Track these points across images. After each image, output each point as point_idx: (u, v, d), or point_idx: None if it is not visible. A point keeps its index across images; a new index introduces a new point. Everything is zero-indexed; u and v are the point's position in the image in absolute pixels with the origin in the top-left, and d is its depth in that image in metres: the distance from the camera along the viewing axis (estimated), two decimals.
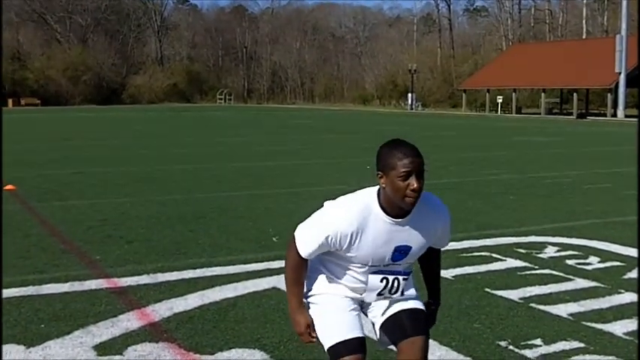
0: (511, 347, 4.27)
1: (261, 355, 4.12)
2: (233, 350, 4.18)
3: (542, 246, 7.11)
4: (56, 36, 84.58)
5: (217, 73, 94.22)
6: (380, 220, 2.72)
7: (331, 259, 2.87)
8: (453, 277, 5.89)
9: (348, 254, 2.76)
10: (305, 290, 2.95)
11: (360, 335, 2.80)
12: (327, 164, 15.64)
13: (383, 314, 2.92)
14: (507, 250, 6.89)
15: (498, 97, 56.88)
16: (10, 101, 71.28)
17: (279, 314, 4.86)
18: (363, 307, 2.96)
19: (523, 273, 6.04)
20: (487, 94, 59.48)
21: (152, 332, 4.49)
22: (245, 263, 6.32)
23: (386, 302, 2.92)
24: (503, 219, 8.72)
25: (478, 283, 5.69)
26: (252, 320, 4.74)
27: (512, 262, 6.42)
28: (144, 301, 5.14)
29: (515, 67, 57.59)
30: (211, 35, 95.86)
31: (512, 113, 55.90)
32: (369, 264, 2.79)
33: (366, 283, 2.83)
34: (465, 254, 6.72)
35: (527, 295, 5.37)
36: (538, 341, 4.38)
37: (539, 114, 54.76)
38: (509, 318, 4.82)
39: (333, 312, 2.86)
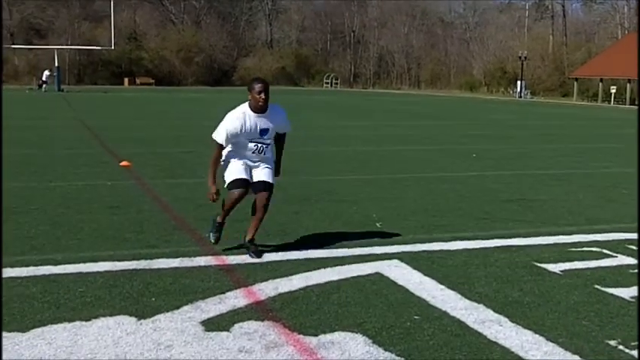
0: (621, 347, 4.11)
1: (364, 339, 4.14)
2: (336, 333, 4.23)
3: None
4: (171, 17, 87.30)
5: (325, 57, 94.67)
6: (250, 115, 5.85)
7: (234, 143, 5.90)
8: (561, 271, 5.72)
9: (241, 133, 5.80)
10: (223, 163, 6.05)
11: (245, 177, 5.96)
12: (432, 151, 15.46)
13: (255, 178, 6.03)
14: (619, 247, 6.61)
15: (612, 87, 54.44)
16: (126, 80, 74.38)
17: (382, 300, 4.87)
18: (251, 171, 6.03)
19: (635, 271, 5.79)
20: (600, 83, 57.05)
21: (258, 310, 4.60)
22: (349, 247, 6.36)
23: (257, 171, 6.05)
24: (615, 214, 8.37)
25: (588, 279, 5.50)
26: (355, 304, 4.76)
27: (623, 259, 6.17)
28: (250, 280, 5.27)
29: (630, 57, 54.67)
30: (320, 19, 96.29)
31: (625, 104, 53.40)
32: (249, 139, 5.86)
33: (248, 148, 5.91)
34: (574, 249, 6.51)
35: None
36: None
37: None
38: (619, 317, 4.64)
39: (233, 167, 5.99)
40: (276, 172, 6.23)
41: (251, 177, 6.01)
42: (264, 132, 5.90)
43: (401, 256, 6.05)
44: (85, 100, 38.76)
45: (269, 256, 5.98)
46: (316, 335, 4.19)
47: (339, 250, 6.28)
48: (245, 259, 5.90)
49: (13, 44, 65.95)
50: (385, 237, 6.83)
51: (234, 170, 5.95)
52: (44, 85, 50.77)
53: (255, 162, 6.03)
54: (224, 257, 5.92)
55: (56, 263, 5.60)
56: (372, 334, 4.23)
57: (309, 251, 6.19)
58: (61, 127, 19.67)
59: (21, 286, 5.00)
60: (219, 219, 6.20)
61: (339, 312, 4.61)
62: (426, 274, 5.52)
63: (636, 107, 50.31)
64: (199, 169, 11.45)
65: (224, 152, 5.99)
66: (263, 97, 5.74)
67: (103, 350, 3.92)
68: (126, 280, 5.22)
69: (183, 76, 79.02)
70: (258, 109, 5.83)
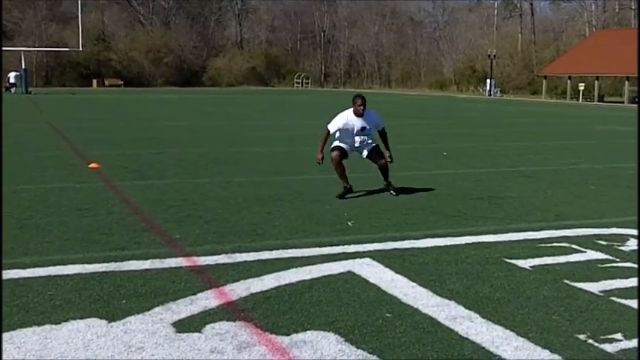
0: (590, 341, 4.17)
1: (336, 338, 4.14)
2: (308, 332, 4.22)
3: (624, 238, 6.89)
4: (139, 18, 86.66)
5: (295, 56, 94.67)
6: (353, 116, 8.83)
7: (341, 132, 8.89)
8: (531, 267, 5.79)
9: (346, 130, 8.82)
10: (333, 145, 8.95)
11: (344, 147, 8.97)
12: (404, 150, 15.50)
13: (366, 152, 9.11)
14: (588, 242, 6.71)
15: (580, 84, 55.16)
16: (94, 82, 73.64)
17: (354, 298, 4.88)
18: (357, 151, 9.08)
19: (604, 265, 5.88)
20: (569, 81, 57.78)
21: (229, 311, 4.58)
22: (320, 246, 6.36)
23: (364, 152, 9.06)
24: (584, 209, 8.49)
25: (557, 275, 5.57)
26: (328, 303, 4.77)
27: (592, 254, 6.25)
28: (222, 281, 5.25)
29: (598, 54, 55.63)
30: (290, 19, 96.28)
31: (594, 101, 54.14)
32: (354, 132, 8.86)
33: (353, 139, 8.94)
34: (543, 244, 6.58)
35: (608, 288, 5.22)
36: (619, 335, 4.25)
37: (623, 102, 52.86)
38: (589, 311, 4.70)
39: (337, 145, 8.95)
40: (389, 150, 9.18)
41: (361, 152, 9.17)
42: (364, 129, 8.95)
43: (373, 255, 6.07)
44: (53, 102, 38.29)
45: (240, 257, 5.96)
46: (288, 335, 4.19)
47: (311, 249, 6.28)
48: (216, 259, 5.87)
49: None
50: (357, 235, 6.85)
51: (339, 143, 9.01)
52: (12, 88, 50.07)
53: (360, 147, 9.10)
54: (195, 258, 5.89)
55: (25, 267, 5.52)
56: (345, 332, 4.24)
57: (281, 251, 6.18)
58: (28, 130, 19.41)
59: None
60: (343, 183, 9.05)
61: (311, 311, 4.61)
62: (397, 272, 5.54)
63: (605, 104, 51.07)
64: (169, 170, 11.40)
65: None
66: (361, 107, 8.78)
67: (74, 353, 3.87)
68: (96, 282, 5.17)
69: (153, 77, 78.44)
70: (358, 113, 8.85)
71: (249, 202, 8.60)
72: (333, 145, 8.96)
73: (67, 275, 5.33)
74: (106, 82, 73.87)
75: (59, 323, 4.32)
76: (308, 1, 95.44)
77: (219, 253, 6.05)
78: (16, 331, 4.19)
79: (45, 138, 17.05)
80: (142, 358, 3.84)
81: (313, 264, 5.76)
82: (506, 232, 7.07)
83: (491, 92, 63.41)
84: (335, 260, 5.88)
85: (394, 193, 9.13)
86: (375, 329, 4.30)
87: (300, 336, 4.17)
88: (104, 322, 4.36)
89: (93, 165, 11.43)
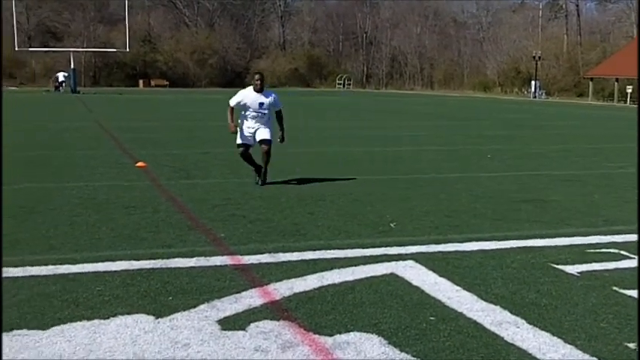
0: None
1: (379, 340, 4.14)
2: (351, 333, 4.23)
3: None
4: (185, 20, 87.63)
5: (337, 58, 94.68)
6: (252, 92, 9.88)
7: (243, 109, 9.88)
8: (578, 273, 5.70)
9: (245, 103, 9.83)
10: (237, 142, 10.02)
11: (249, 143, 9.96)
12: (445, 151, 15.44)
13: (259, 137, 9.89)
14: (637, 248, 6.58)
15: (628, 86, 54.03)
16: (140, 82, 74.73)
17: (397, 300, 4.87)
18: (254, 134, 9.91)
19: None
20: (616, 83, 56.66)
21: (273, 310, 4.61)
22: (363, 247, 6.37)
23: (258, 132, 9.88)
24: (633, 214, 8.31)
25: (606, 281, 5.47)
26: (370, 305, 4.77)
27: None
28: (265, 280, 5.29)
29: None
30: (332, 20, 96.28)
31: None
32: (251, 108, 9.83)
33: (251, 114, 9.86)
34: (591, 250, 6.47)
35: None
36: None
37: None
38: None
39: (242, 131, 9.94)
40: (282, 133, 10.26)
41: (254, 137, 9.94)
42: (261, 105, 9.86)
43: (415, 257, 6.05)
44: (100, 101, 38.97)
45: (284, 256, 6.00)
46: (331, 335, 4.20)
47: (354, 250, 6.29)
48: (260, 258, 5.92)
49: (30, 47, 66.35)
50: (399, 237, 6.83)
51: (243, 134, 9.94)
52: (61, 87, 51.16)
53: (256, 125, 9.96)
54: (239, 257, 5.95)
55: (75, 262, 5.65)
56: (388, 334, 4.23)
57: (324, 251, 6.20)
58: (78, 129, 19.79)
59: (41, 285, 5.05)
60: (253, 167, 10.08)
61: (355, 312, 4.61)
62: (441, 275, 5.51)
63: None
64: (214, 169, 11.52)
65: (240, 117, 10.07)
66: (258, 82, 9.84)
67: (122, 348, 3.95)
68: (143, 279, 5.26)
69: (197, 77, 79.28)
70: (257, 89, 9.89)
71: (291, 202, 8.65)
72: (237, 143, 9.96)
73: (115, 271, 5.44)
74: (152, 83, 74.88)
75: (107, 318, 4.41)
76: (350, 2, 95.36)
77: (262, 252, 6.10)
78: (66, 324, 4.29)
79: (94, 137, 17.37)
80: (187, 354, 3.89)
81: (356, 265, 5.76)
82: (553, 237, 6.97)
83: (536, 94, 62.53)
84: (378, 262, 5.88)
85: (259, 183, 9.93)
86: (419, 332, 4.29)
87: (344, 337, 4.18)
88: (151, 318, 4.43)
89: (140, 164, 11.62)
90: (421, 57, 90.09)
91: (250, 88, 9.95)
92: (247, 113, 9.92)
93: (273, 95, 10.04)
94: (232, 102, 9.99)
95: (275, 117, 10.14)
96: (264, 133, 9.91)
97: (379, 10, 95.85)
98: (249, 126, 9.94)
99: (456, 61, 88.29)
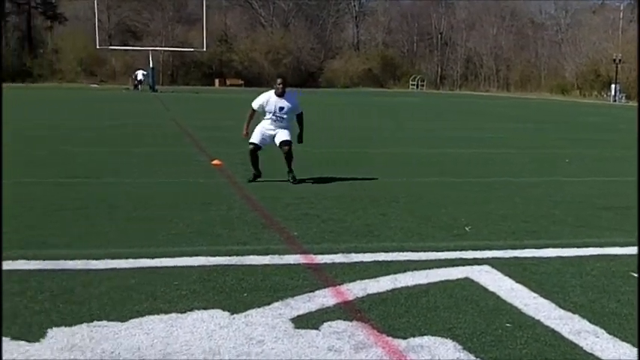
0: None
1: (454, 345, 4.10)
2: (425, 337, 4.20)
3: None
4: (260, 20, 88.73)
5: (411, 58, 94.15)
6: (274, 96, 9.95)
7: (263, 112, 10.01)
8: None
9: (265, 107, 9.96)
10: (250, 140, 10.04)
11: (262, 144, 10.10)
12: (522, 154, 15.12)
13: (277, 140, 10.05)
14: None
15: None
16: (216, 81, 76.05)
17: (473, 305, 4.80)
18: (272, 138, 10.07)
19: None
20: None
21: (346, 310, 4.62)
22: (437, 251, 6.30)
23: (277, 136, 10.02)
24: None
25: None
26: (445, 309, 4.72)
27: None
28: (338, 280, 5.30)
29: None
30: (407, 21, 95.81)
31: None
32: (271, 112, 9.95)
33: (271, 118, 10.00)
34: None
35: None
36: None
37: None
38: None
39: (257, 131, 10.11)
40: (301, 135, 10.40)
41: (272, 138, 10.10)
42: (282, 108, 9.97)
43: (491, 262, 5.95)
44: (177, 100, 39.85)
45: (357, 257, 6.00)
46: (405, 338, 4.18)
47: (428, 253, 6.24)
48: (333, 258, 5.94)
49: (111, 45, 68.42)
50: (474, 241, 6.74)
51: (257, 134, 10.09)
52: (139, 86, 52.57)
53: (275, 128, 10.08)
54: (312, 256, 5.97)
55: (153, 256, 5.79)
56: (463, 339, 4.18)
57: (397, 253, 6.17)
58: (156, 126, 20.29)
59: (121, 278, 5.20)
60: (253, 170, 10.13)
61: (428, 316, 4.57)
62: (517, 281, 5.40)
63: None
64: (286, 169, 11.58)
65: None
66: (280, 86, 9.86)
67: (198, 343, 4.02)
68: (219, 275, 5.35)
69: (272, 77, 78.74)
70: (279, 93, 9.94)
71: (364, 203, 8.64)
72: (250, 141, 10.01)
73: (192, 266, 5.55)
74: (228, 82, 76.09)
75: (184, 312, 4.50)
76: (426, 2, 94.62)
77: (335, 252, 6.11)
78: (144, 317, 4.40)
79: (171, 135, 17.76)
80: (262, 350, 3.94)
81: (430, 268, 5.71)
82: (634, 245, 6.74)
83: (616, 98, 60.64)
84: (452, 266, 5.81)
85: (292, 181, 10.00)
86: (495, 338, 4.22)
87: (417, 340, 4.15)
88: (227, 313, 4.50)
89: (216, 162, 11.81)
90: (497, 58, 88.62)
91: (272, 92, 9.98)
92: (267, 116, 10.01)
93: (294, 100, 10.08)
94: (255, 104, 10.06)
95: (295, 119, 10.29)
96: (283, 135, 10.00)
97: (455, 10, 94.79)
98: (267, 128, 10.05)
99: (533, 63, 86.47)
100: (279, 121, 9.97)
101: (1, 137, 12.38)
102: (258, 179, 10.11)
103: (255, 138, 10.02)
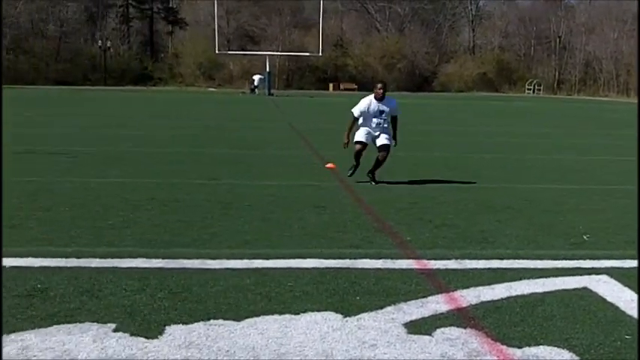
0: None
1: (571, 356, 4.00)
2: (541, 347, 4.11)
3: None
4: (376, 24, 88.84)
5: (527, 62, 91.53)
6: (374, 100, 10.30)
7: (363, 117, 10.34)
8: None
9: (367, 112, 10.26)
10: (356, 139, 10.35)
11: (367, 142, 10.38)
12: None
13: (379, 142, 10.34)
14: None
15: None
16: (330, 85, 76.76)
17: (590, 316, 4.66)
18: (374, 139, 10.35)
19: None
20: None
21: (460, 317, 4.59)
22: (554, 259, 6.15)
23: (379, 139, 10.33)
24: None
25: None
26: (561, 319, 4.60)
27: None
28: (452, 286, 5.27)
29: None
30: (525, 24, 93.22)
31: None
32: (373, 117, 10.27)
33: (372, 122, 10.29)
34: None
35: None
36: None
37: None
38: None
39: (362, 131, 10.42)
40: (395, 137, 10.55)
41: (373, 139, 10.37)
42: (382, 112, 10.30)
43: (610, 272, 5.75)
44: (293, 104, 40.52)
45: (470, 263, 5.94)
46: (520, 347, 4.11)
47: (543, 261, 6.09)
48: (446, 264, 5.90)
49: (229, 50, 70.47)
50: (593, 250, 6.52)
51: (360, 135, 10.38)
52: (256, 89, 53.92)
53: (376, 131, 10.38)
54: (425, 262, 5.96)
55: (267, 257, 5.94)
56: (580, 351, 4.07)
57: (512, 261, 6.07)
58: (272, 129, 20.75)
59: (236, 278, 5.37)
60: (355, 163, 10.44)
61: (544, 325, 4.48)
62: (637, 292, 5.19)
63: None
64: (399, 172, 11.59)
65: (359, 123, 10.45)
66: (380, 91, 10.24)
67: (311, 344, 4.11)
68: (331, 277, 5.43)
69: (386, 82, 79.93)
70: (378, 98, 10.28)
71: (479, 209, 8.52)
72: (355, 140, 10.34)
73: (306, 268, 5.66)
74: (342, 86, 76.59)
75: (298, 314, 4.60)
76: (545, 6, 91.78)
77: (448, 258, 6.08)
78: (259, 317, 4.52)
79: (286, 138, 18.12)
80: (374, 354, 3.97)
81: (546, 277, 5.58)
82: None
83: None
84: (569, 275, 5.66)
85: (373, 183, 10.33)
86: (613, 350, 4.09)
87: (533, 350, 4.08)
88: (339, 316, 4.57)
89: (329, 165, 11.97)
90: (617, 63, 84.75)
91: (372, 97, 10.29)
92: (368, 121, 10.33)
93: (393, 104, 10.42)
94: (356, 112, 10.36)
95: (391, 123, 10.54)
96: (384, 139, 10.31)
97: (574, 13, 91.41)
98: (369, 130, 10.37)
99: None
100: (381, 123, 10.30)
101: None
102: (366, 181, 10.44)
103: (361, 137, 10.35)
